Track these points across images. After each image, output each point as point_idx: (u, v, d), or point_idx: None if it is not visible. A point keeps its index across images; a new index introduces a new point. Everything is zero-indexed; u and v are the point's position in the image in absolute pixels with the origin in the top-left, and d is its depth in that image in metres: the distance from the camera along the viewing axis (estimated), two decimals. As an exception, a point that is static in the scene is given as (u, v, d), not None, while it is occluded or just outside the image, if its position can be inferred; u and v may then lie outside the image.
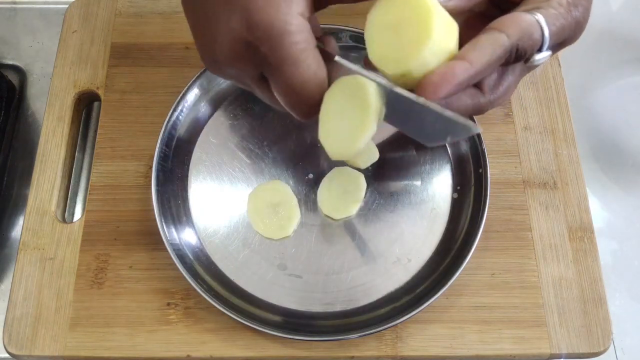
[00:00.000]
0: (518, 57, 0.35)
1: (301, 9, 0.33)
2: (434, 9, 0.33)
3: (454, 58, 0.34)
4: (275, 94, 0.36)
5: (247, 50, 0.34)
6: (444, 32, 0.34)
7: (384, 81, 0.34)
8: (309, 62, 0.34)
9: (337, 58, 0.36)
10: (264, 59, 0.34)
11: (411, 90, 0.34)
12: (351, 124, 0.35)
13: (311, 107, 0.36)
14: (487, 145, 0.51)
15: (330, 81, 0.36)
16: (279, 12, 0.32)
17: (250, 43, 0.33)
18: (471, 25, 0.38)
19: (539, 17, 0.35)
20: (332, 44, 0.37)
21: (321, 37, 0.37)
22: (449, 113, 0.32)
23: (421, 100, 0.33)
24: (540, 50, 0.36)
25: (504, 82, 0.38)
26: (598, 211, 0.60)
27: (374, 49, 0.36)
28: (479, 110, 0.38)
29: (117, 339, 0.47)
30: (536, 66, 0.37)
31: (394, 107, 0.34)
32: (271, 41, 0.33)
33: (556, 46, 0.37)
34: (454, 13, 0.35)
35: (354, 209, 0.51)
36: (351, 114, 0.35)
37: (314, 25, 0.35)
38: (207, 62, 0.38)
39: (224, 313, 0.45)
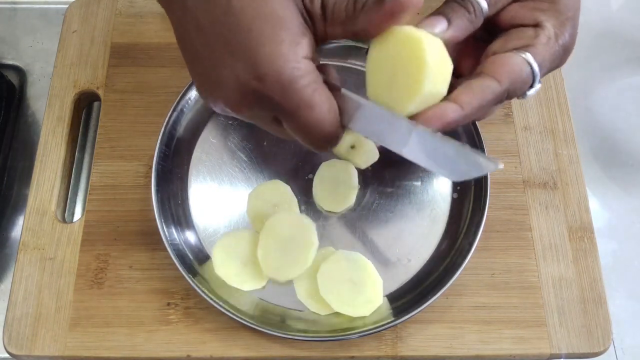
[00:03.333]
0: (510, 97, 0.37)
1: (305, 52, 0.33)
2: (427, 59, 0.33)
3: (447, 98, 0.35)
4: (291, 133, 0.36)
5: (257, 98, 0.34)
6: (436, 81, 0.34)
7: (403, 120, 0.34)
8: (322, 102, 0.34)
9: (343, 91, 0.36)
10: (277, 105, 0.34)
11: None
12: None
13: (328, 141, 0.36)
14: (487, 145, 0.51)
15: (340, 111, 0.36)
16: (286, 61, 0.32)
17: (259, 92, 0.33)
18: (462, 49, 0.39)
19: (529, 57, 0.36)
20: (333, 74, 0.38)
21: (321, 67, 0.37)
22: (468, 150, 0.32)
23: (440, 136, 0.33)
24: (531, 86, 0.37)
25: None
26: (598, 211, 0.60)
27: (371, 89, 0.37)
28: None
29: (117, 339, 0.47)
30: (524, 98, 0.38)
31: (419, 144, 0.35)
32: (282, 90, 0.33)
33: (544, 75, 0.38)
34: (449, 43, 0.36)
35: (351, 197, 0.51)
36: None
37: (316, 60, 0.35)
38: (209, 103, 0.37)
39: (224, 313, 0.45)
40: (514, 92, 0.36)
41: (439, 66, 0.34)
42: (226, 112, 0.37)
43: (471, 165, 0.33)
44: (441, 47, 0.35)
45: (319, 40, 0.35)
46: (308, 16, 0.34)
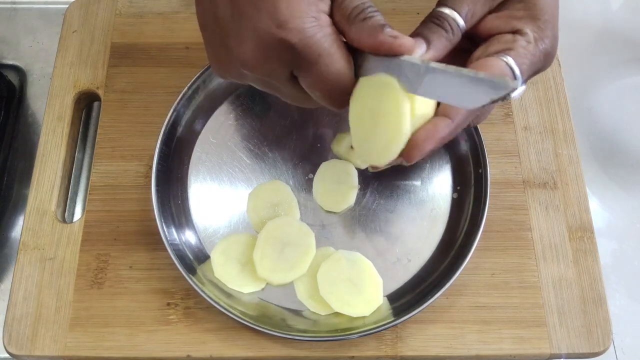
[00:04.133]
0: (494, 101, 0.36)
1: (325, 9, 0.35)
2: (403, 102, 0.34)
3: (436, 115, 0.36)
4: (309, 89, 0.37)
5: (278, 49, 0.34)
6: (417, 117, 0.35)
7: (416, 60, 0.34)
8: (341, 53, 0.35)
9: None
10: (297, 55, 0.34)
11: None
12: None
13: (346, 95, 0.37)
14: (487, 145, 0.51)
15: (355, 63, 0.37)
16: (308, 12, 0.33)
17: (281, 40, 0.34)
18: (445, 59, 0.39)
19: (510, 60, 0.36)
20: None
21: None
22: (482, 74, 0.32)
23: (455, 69, 0.33)
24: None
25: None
26: (598, 211, 0.60)
27: (356, 145, 0.38)
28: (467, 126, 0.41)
29: (117, 339, 0.47)
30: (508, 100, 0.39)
31: (430, 84, 0.35)
32: (304, 38, 0.34)
33: (527, 79, 0.38)
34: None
35: (351, 197, 0.51)
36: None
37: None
38: (226, 69, 0.38)
39: (224, 313, 0.45)
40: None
41: (418, 102, 0.35)
42: (242, 76, 0.37)
43: (489, 87, 0.32)
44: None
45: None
46: None
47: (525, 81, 0.38)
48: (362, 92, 0.36)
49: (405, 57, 0.34)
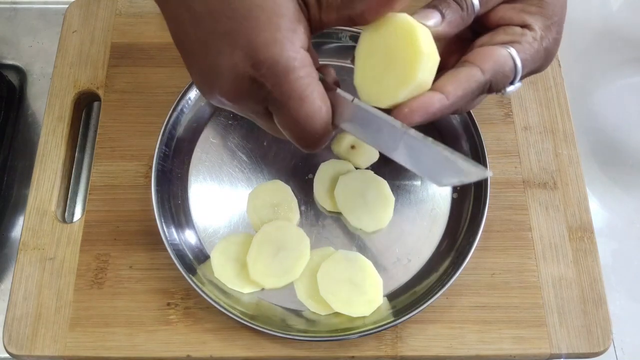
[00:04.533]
0: (491, 91, 0.37)
1: (302, 42, 0.34)
2: (422, 48, 0.34)
3: (432, 89, 0.35)
4: (279, 126, 0.36)
5: (252, 87, 0.34)
6: (427, 72, 0.35)
7: (395, 124, 0.34)
8: (313, 97, 0.34)
9: (338, 91, 0.36)
10: (269, 94, 0.34)
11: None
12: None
13: (316, 140, 0.36)
14: (487, 145, 0.51)
15: (332, 110, 0.36)
16: (283, 49, 0.32)
17: (254, 79, 0.33)
18: (447, 46, 0.40)
19: (513, 52, 0.36)
20: (332, 74, 0.38)
21: (320, 68, 0.37)
22: (458, 156, 0.33)
23: (430, 140, 0.33)
24: (512, 82, 0.37)
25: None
26: (598, 211, 0.60)
27: (359, 75, 0.37)
28: (443, 115, 0.39)
29: (117, 339, 0.47)
30: (503, 95, 0.39)
31: (406, 149, 0.35)
32: (276, 78, 0.33)
33: (525, 76, 0.38)
34: (439, 38, 0.36)
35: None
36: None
37: (313, 57, 0.35)
38: (205, 94, 0.37)
39: (224, 313, 0.45)
40: (496, 84, 0.36)
41: (430, 56, 0.34)
42: (223, 104, 0.37)
43: (460, 171, 0.33)
44: (431, 39, 0.35)
45: (314, 28, 0.35)
46: (303, 2, 0.34)
47: (522, 77, 0.38)
48: (377, 30, 0.35)
49: (384, 117, 0.34)
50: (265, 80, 0.33)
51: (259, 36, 0.32)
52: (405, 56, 0.34)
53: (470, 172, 0.32)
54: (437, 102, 0.35)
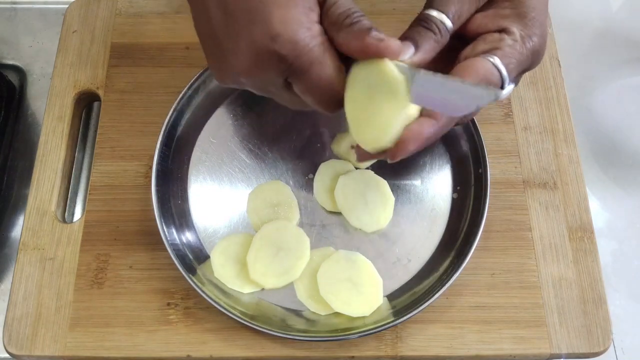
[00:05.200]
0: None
1: (317, 18, 0.36)
2: (401, 77, 0.34)
3: (422, 115, 0.36)
4: (302, 95, 0.38)
5: (271, 60, 0.35)
6: (404, 119, 0.36)
7: (404, 66, 0.35)
8: (332, 60, 0.36)
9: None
10: (290, 65, 0.35)
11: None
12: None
13: (339, 100, 0.38)
14: (487, 145, 0.51)
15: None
16: (299, 23, 0.34)
17: (274, 52, 0.35)
18: (437, 60, 0.40)
19: (496, 60, 0.37)
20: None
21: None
22: (470, 82, 0.34)
23: (442, 76, 0.34)
24: (501, 88, 0.37)
25: None
26: (598, 211, 0.60)
27: (352, 127, 0.38)
28: (456, 124, 0.41)
29: (117, 339, 0.47)
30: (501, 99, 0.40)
31: (417, 91, 0.35)
32: (295, 48, 0.34)
33: (516, 77, 0.39)
34: (420, 66, 0.37)
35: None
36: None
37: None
38: (224, 76, 0.39)
39: (224, 313, 0.45)
40: None
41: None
42: (241, 83, 0.38)
43: (473, 97, 0.33)
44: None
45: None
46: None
47: (514, 80, 0.38)
48: (358, 76, 0.36)
49: (394, 63, 0.35)
50: (286, 52, 0.35)
51: (277, 12, 0.34)
52: (383, 96, 0.35)
53: (482, 96, 0.33)
54: (429, 128, 0.36)
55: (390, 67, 0.35)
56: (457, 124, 0.41)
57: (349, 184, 0.50)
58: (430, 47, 0.37)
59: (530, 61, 0.39)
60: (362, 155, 0.40)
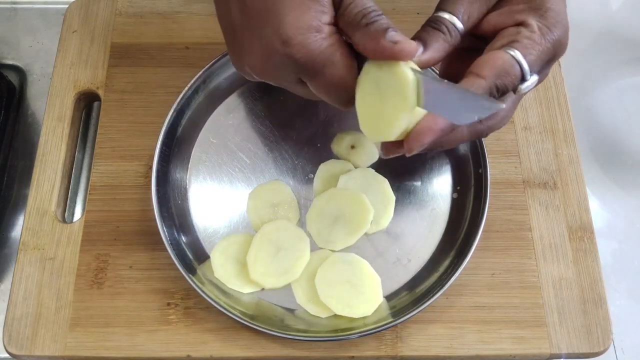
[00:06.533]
0: (502, 93, 0.37)
1: (328, 20, 0.36)
2: (412, 80, 0.35)
3: None
4: (316, 92, 0.39)
5: (283, 61, 0.36)
6: (418, 113, 0.36)
7: (417, 68, 0.36)
8: (344, 60, 0.37)
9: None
10: (302, 67, 0.36)
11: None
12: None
13: (351, 97, 0.38)
14: (487, 145, 0.51)
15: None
16: (310, 27, 0.35)
17: (285, 55, 0.36)
18: (457, 60, 0.41)
19: (515, 52, 0.36)
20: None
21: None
22: (474, 92, 0.34)
23: (447, 83, 0.34)
24: (524, 80, 0.37)
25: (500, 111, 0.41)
26: (598, 211, 0.60)
27: (362, 121, 0.39)
28: (478, 135, 0.42)
29: (117, 339, 0.47)
30: (527, 92, 0.39)
31: (423, 95, 0.36)
32: (306, 52, 0.35)
33: (541, 69, 0.38)
34: (429, 65, 0.37)
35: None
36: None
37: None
38: (241, 70, 0.41)
39: (224, 313, 0.45)
40: (504, 86, 0.37)
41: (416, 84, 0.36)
42: (254, 77, 0.40)
43: (477, 106, 0.33)
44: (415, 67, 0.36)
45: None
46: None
47: (537, 72, 0.38)
48: (370, 72, 0.37)
49: (407, 64, 0.35)
50: (297, 55, 0.35)
51: (288, 15, 0.35)
52: (393, 90, 0.35)
53: (485, 106, 0.33)
54: (442, 121, 0.36)
55: (402, 69, 0.35)
56: (479, 135, 0.42)
57: (350, 184, 0.50)
58: (439, 46, 0.37)
59: (554, 52, 0.38)
60: (387, 149, 0.39)
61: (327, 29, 0.36)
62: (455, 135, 0.40)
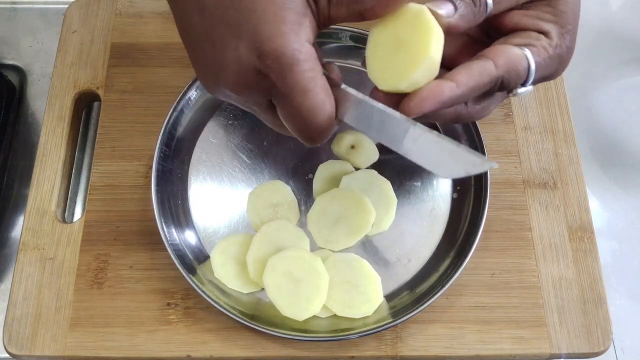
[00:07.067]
0: (502, 88, 0.37)
1: (308, 36, 0.34)
2: (433, 25, 0.34)
3: (443, 77, 0.36)
4: (283, 119, 0.37)
5: (256, 78, 0.34)
6: (438, 49, 0.35)
7: (398, 116, 0.35)
8: (317, 91, 0.34)
9: (343, 86, 0.36)
10: (273, 86, 0.34)
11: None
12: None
13: (319, 133, 0.36)
14: (487, 145, 0.51)
15: (337, 105, 0.36)
16: (288, 41, 0.33)
17: (259, 71, 0.34)
18: (463, 50, 0.40)
19: (528, 53, 0.37)
20: (336, 71, 0.38)
21: (325, 65, 0.37)
22: (463, 148, 0.33)
23: (437, 134, 0.34)
24: (524, 84, 0.38)
25: (484, 100, 0.40)
26: (598, 211, 0.60)
27: (371, 67, 0.37)
28: (458, 119, 0.40)
29: (117, 339, 0.47)
30: (514, 97, 0.39)
31: (410, 143, 0.36)
32: (281, 69, 0.33)
33: (537, 81, 0.39)
34: (450, 31, 0.36)
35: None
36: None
37: (318, 52, 0.35)
38: (210, 88, 0.38)
39: (224, 313, 0.45)
40: (508, 82, 0.37)
41: (440, 36, 0.35)
42: (227, 96, 0.37)
43: (466, 163, 0.33)
44: (438, 25, 0.35)
45: (322, 23, 0.36)
46: None
47: (535, 82, 0.38)
48: (386, 22, 0.36)
49: (390, 111, 0.35)
50: (270, 72, 0.33)
51: (265, 28, 0.32)
52: (416, 36, 0.34)
53: (475, 164, 0.33)
54: (448, 91, 0.35)
55: (428, 16, 0.34)
56: (463, 120, 0.41)
57: (353, 184, 0.50)
58: (467, 15, 0.36)
59: (555, 68, 0.39)
60: (378, 97, 0.37)
61: (307, 49, 0.34)
62: (444, 112, 0.39)
